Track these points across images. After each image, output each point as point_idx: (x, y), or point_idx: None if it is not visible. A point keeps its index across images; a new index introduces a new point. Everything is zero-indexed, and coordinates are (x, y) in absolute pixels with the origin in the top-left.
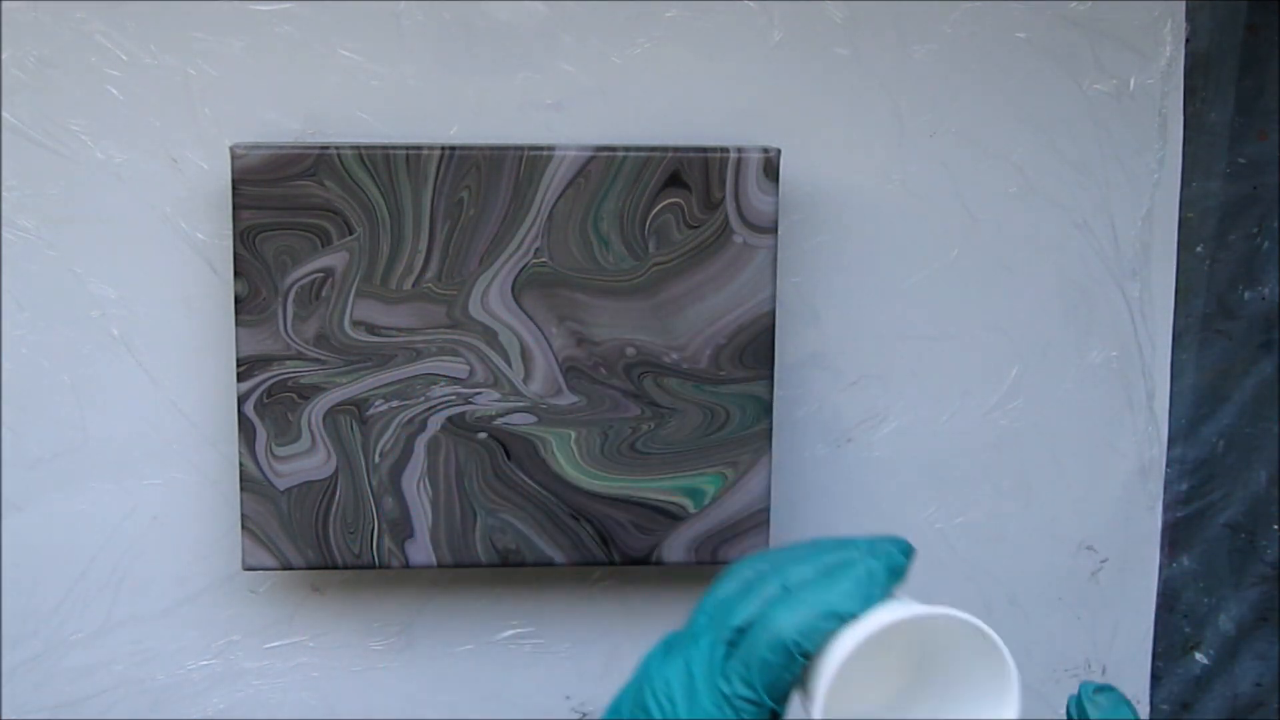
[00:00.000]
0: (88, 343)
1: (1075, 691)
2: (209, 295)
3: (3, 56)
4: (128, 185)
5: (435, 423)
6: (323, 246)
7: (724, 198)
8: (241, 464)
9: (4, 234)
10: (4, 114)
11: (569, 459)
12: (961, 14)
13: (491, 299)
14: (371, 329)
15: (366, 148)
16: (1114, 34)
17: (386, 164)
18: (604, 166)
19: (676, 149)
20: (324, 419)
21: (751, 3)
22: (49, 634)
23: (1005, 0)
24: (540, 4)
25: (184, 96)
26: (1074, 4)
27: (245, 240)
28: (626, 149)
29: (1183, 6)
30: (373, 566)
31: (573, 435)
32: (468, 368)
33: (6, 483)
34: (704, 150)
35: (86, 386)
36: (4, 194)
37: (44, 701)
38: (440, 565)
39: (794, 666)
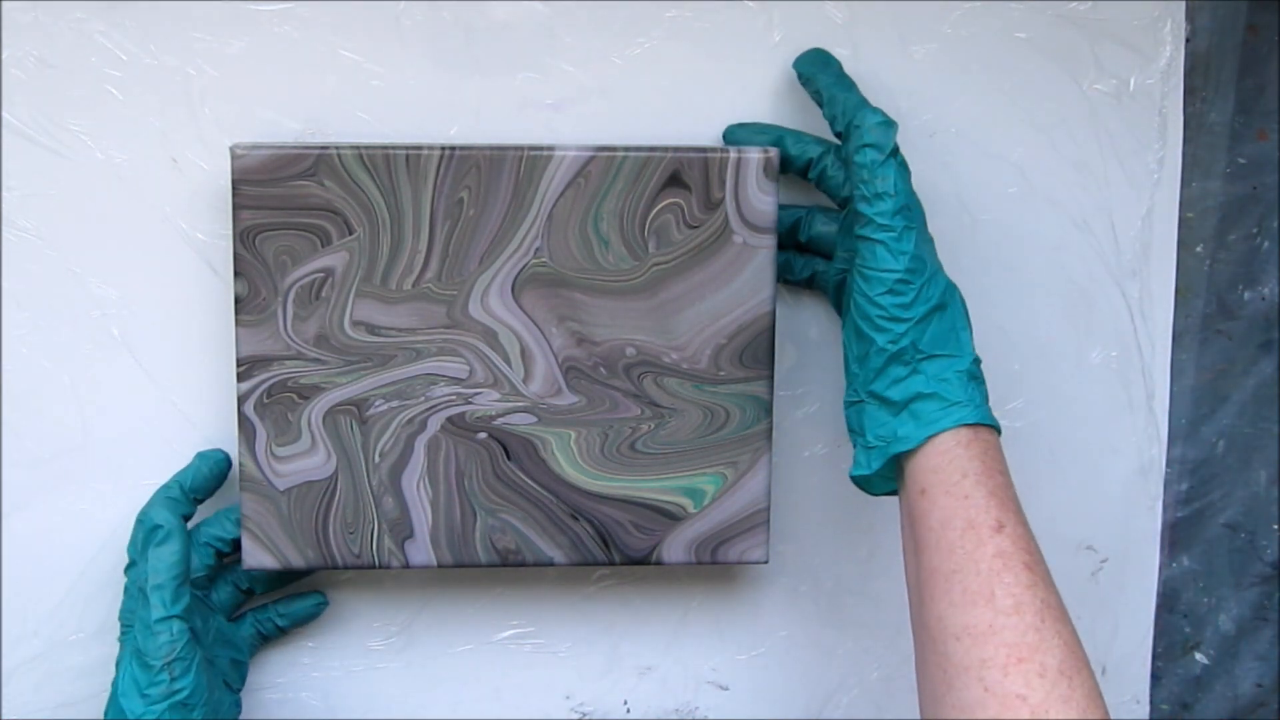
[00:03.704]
0: (88, 343)
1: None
2: (209, 295)
3: (3, 56)
4: (128, 185)
5: (435, 423)
6: (323, 246)
7: (724, 198)
8: (241, 464)
9: (4, 234)
10: (4, 114)
11: (569, 459)
12: (961, 14)
13: (491, 299)
14: (371, 329)
15: (366, 148)
16: (1114, 34)
17: (386, 164)
18: (604, 167)
19: (676, 149)
20: (324, 419)
21: (751, 3)
22: (49, 634)
23: (1005, 0)
24: (540, 4)
25: (184, 96)
26: (1074, 4)
27: (245, 240)
28: (626, 149)
29: (1183, 6)
30: (373, 567)
31: (572, 435)
32: (467, 368)
33: (6, 483)
34: (704, 150)
35: (86, 386)
36: (4, 194)
37: (44, 701)
38: (440, 565)
39: None
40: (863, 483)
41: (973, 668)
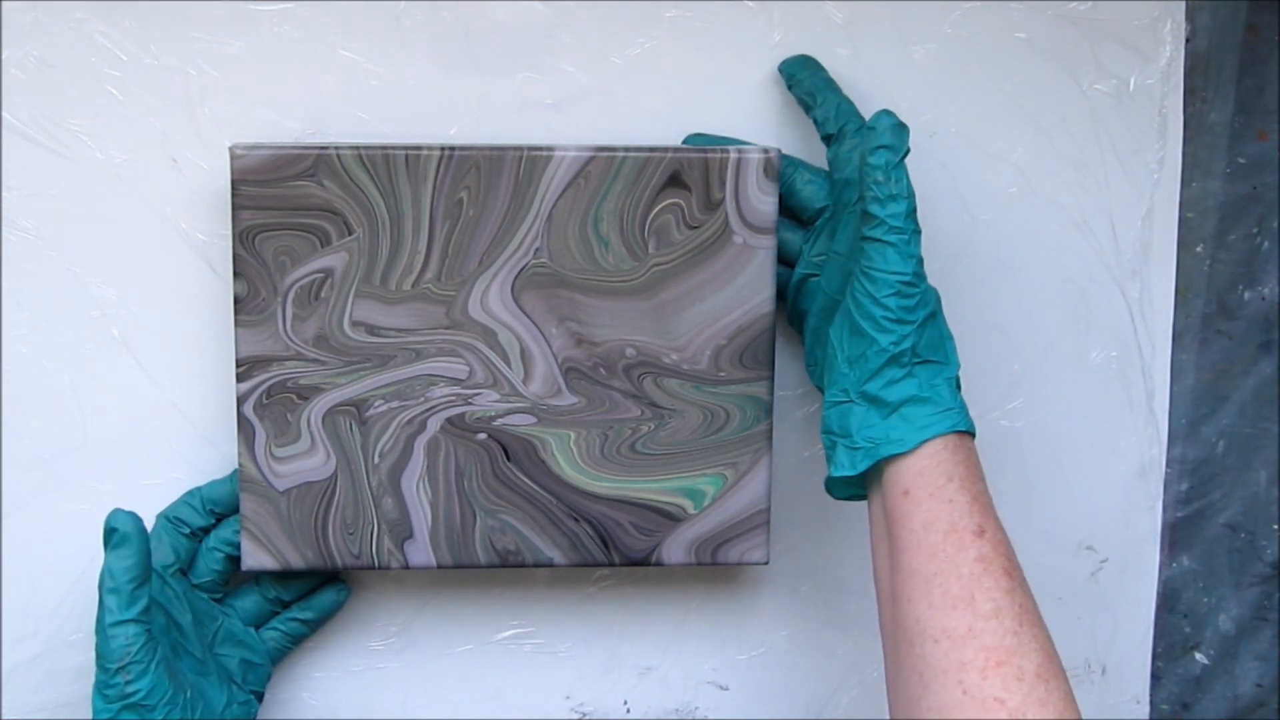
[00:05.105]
0: (88, 343)
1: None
2: (209, 296)
3: (3, 56)
4: (128, 185)
5: (435, 423)
6: (322, 247)
7: (724, 198)
8: (241, 464)
9: (4, 234)
10: (4, 114)
11: (568, 460)
12: (961, 14)
13: (491, 299)
14: (371, 329)
15: (366, 148)
16: (1114, 34)
17: (386, 164)
18: (604, 167)
19: (676, 149)
20: (323, 420)
21: (751, 3)
22: (49, 634)
23: (1005, 0)
24: (540, 4)
25: (184, 96)
26: (1074, 4)
27: (244, 240)
28: (626, 149)
29: (1183, 6)
30: (372, 568)
31: (572, 436)
32: (467, 368)
33: (6, 483)
34: (704, 150)
35: (86, 386)
36: (4, 194)
37: (44, 701)
38: (440, 566)
39: None
40: (831, 485)
41: (951, 670)
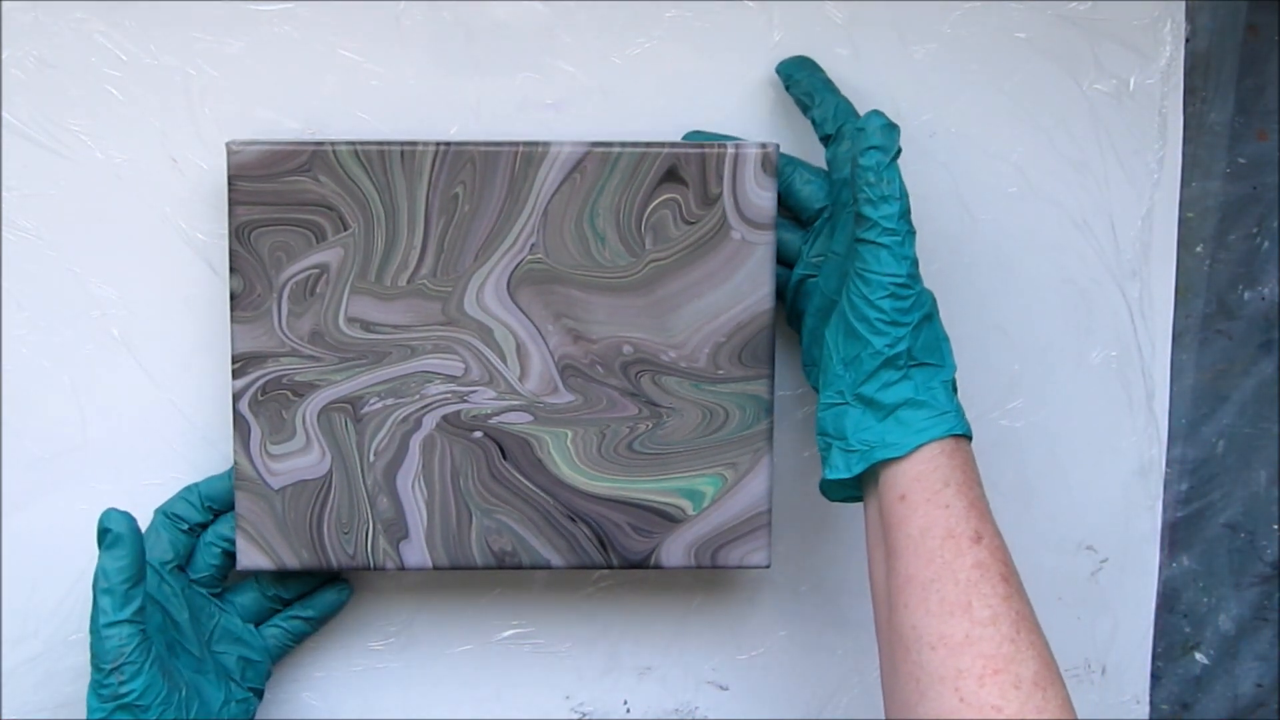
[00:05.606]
0: (88, 343)
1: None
2: (208, 295)
3: (3, 56)
4: (128, 185)
5: (430, 421)
6: (318, 242)
7: (721, 193)
8: (236, 462)
9: (4, 234)
10: (4, 114)
11: (565, 459)
12: (961, 14)
13: (487, 296)
14: (366, 326)
15: (362, 144)
16: (1114, 34)
17: (381, 160)
18: (599, 162)
19: (673, 144)
20: (318, 417)
21: (751, 3)
22: (49, 634)
23: (1005, 0)
24: (540, 4)
25: (183, 96)
26: (1074, 4)
27: (240, 236)
28: (622, 144)
29: (1183, 6)
30: (368, 568)
31: (569, 435)
32: (463, 365)
33: (6, 483)
34: (700, 145)
35: (86, 386)
36: (4, 194)
37: (44, 701)
38: (436, 567)
39: None
40: (826, 487)
41: (948, 678)
